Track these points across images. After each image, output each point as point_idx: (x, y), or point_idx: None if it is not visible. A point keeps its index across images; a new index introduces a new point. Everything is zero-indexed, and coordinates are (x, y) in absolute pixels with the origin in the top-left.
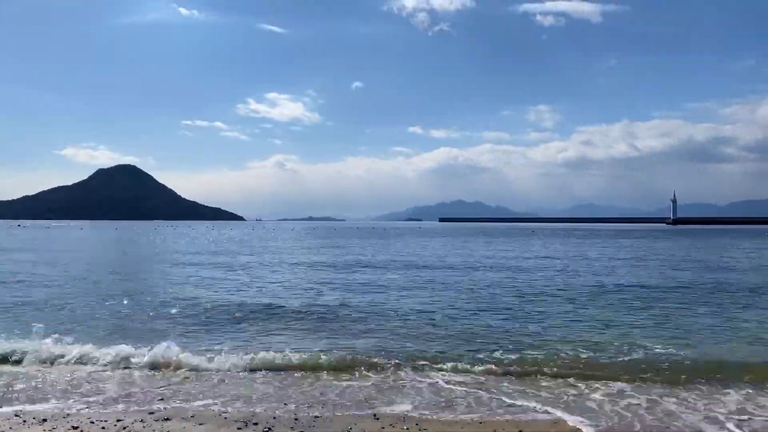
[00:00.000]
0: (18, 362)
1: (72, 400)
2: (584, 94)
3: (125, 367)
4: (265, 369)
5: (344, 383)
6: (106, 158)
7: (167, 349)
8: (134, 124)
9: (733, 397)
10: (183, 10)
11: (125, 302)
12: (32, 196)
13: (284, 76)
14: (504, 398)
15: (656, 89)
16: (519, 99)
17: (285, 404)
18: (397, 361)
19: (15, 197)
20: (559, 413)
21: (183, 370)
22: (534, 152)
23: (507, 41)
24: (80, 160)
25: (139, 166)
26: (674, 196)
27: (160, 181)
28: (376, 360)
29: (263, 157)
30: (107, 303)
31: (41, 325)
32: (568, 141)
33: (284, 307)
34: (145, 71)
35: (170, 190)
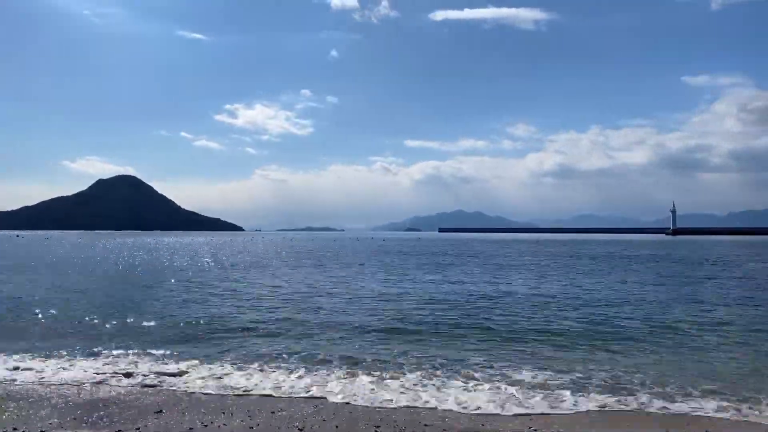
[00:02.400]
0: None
1: None
2: (544, 102)
3: None
4: None
5: None
6: (87, 166)
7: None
8: (108, 135)
9: None
10: (96, 20)
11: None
12: (32, 206)
13: (232, 85)
14: None
15: (613, 98)
16: (481, 109)
17: None
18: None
19: (15, 208)
20: None
21: None
22: (521, 162)
23: (441, 51)
24: (78, 170)
25: (125, 175)
26: (674, 206)
27: (160, 191)
28: None
29: (251, 168)
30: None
31: None
32: (550, 151)
33: None
34: (87, 83)
35: (170, 200)
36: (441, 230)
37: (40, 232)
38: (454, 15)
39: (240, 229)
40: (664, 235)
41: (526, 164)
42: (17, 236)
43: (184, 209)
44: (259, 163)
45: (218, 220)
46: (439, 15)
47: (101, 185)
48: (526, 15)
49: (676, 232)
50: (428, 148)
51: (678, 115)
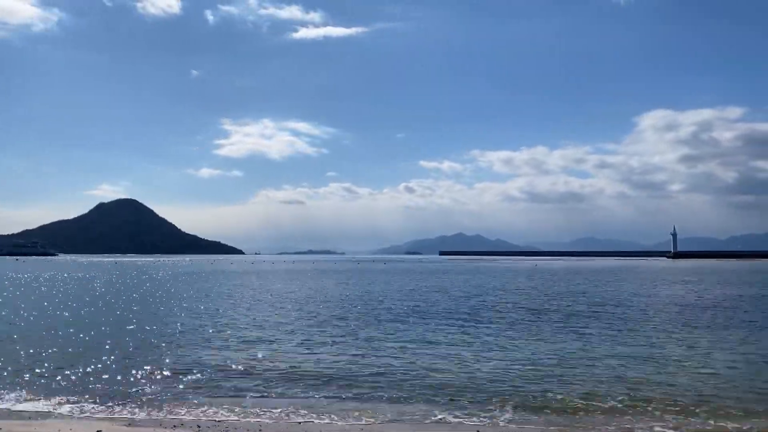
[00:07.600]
0: None
1: None
2: (467, 121)
3: None
4: None
5: None
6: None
7: None
8: (93, 157)
9: None
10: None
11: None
12: (32, 230)
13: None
14: None
15: (531, 119)
16: (413, 132)
17: None
18: None
19: (15, 231)
20: None
21: None
22: (489, 185)
23: (338, 70)
24: (79, 195)
25: (126, 198)
26: (674, 229)
27: (161, 214)
28: None
29: (242, 193)
30: None
31: None
32: (511, 173)
33: None
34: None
35: (170, 223)
36: (441, 253)
37: (40, 257)
38: (313, 33)
39: (240, 252)
40: (665, 258)
41: (494, 187)
42: (16, 260)
43: (185, 232)
44: (248, 187)
45: (218, 243)
46: (299, 34)
47: (102, 209)
48: (345, 31)
49: (677, 255)
50: (385, 173)
51: (607, 138)
